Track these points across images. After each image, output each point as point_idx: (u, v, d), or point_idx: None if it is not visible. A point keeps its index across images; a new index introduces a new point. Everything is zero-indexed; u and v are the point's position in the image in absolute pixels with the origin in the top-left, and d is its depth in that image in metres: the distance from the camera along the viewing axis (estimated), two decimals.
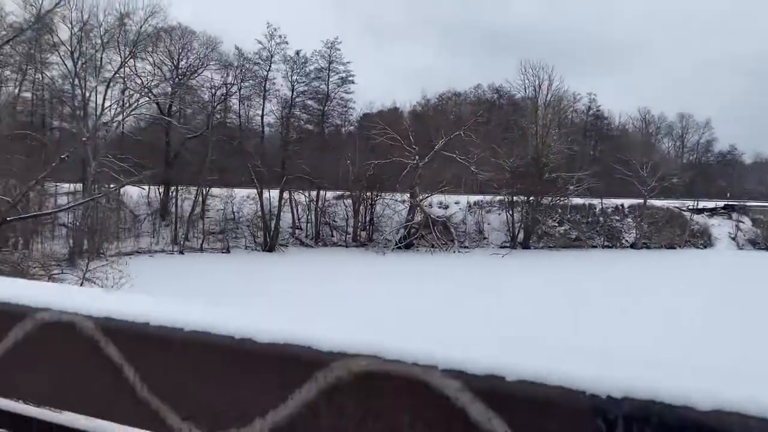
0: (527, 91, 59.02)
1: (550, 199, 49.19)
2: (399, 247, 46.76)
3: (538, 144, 53.07)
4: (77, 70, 38.20)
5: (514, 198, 48.81)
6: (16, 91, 35.03)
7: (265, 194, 46.41)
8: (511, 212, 49.18)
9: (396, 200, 48.62)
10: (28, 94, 41.17)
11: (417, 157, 46.38)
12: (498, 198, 49.97)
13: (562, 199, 49.76)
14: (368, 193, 48.48)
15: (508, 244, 48.66)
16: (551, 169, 50.36)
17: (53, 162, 20.97)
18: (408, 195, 47.84)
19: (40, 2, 32.19)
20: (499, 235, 49.62)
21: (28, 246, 30.98)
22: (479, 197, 50.25)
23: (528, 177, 48.26)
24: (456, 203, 49.29)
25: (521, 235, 49.27)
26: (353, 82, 50.27)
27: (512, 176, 48.55)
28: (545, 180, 48.82)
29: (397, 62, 75.30)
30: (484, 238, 49.61)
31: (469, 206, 49.71)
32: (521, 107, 60.44)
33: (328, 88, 49.74)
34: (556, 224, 50.15)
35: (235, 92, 48.38)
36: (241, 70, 47.43)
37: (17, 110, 36.00)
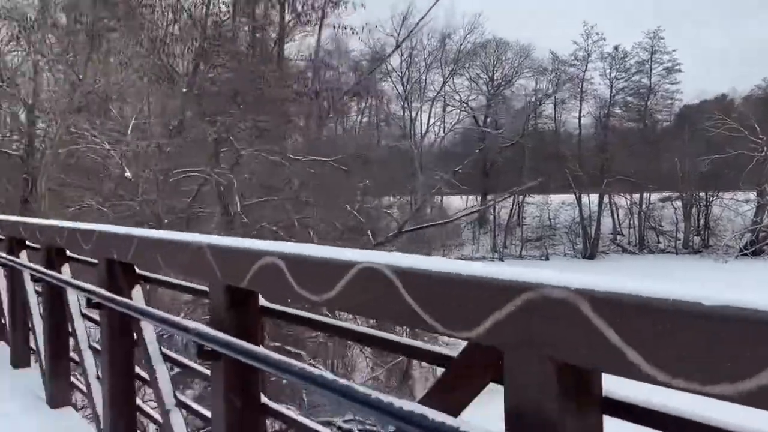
0: None
1: None
2: (744, 254, 40.49)
3: None
4: (406, 93, 41.94)
5: None
6: (358, 118, 39.86)
7: (583, 199, 44.77)
8: None
9: (737, 200, 42.33)
10: (365, 119, 46.73)
11: (765, 148, 39.69)
12: None
13: None
14: (702, 193, 43.20)
15: None
16: None
17: (384, 177, 23.18)
18: (755, 193, 41.22)
19: (398, 32, 36.30)
20: None
21: None
22: None
23: None
24: None
25: None
26: (680, 71, 45.47)
27: None
28: None
29: (723, 44, 65.56)
30: None
31: None
32: None
33: (650, 81, 45.87)
34: None
35: (550, 96, 47.78)
36: (556, 74, 46.68)
37: (358, 134, 40.94)
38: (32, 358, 5.73)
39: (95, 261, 3.67)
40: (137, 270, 3.27)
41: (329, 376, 1.72)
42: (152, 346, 3.00)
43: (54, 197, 14.01)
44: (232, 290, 2.24)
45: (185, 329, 2.29)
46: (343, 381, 1.67)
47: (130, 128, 12.91)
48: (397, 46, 34.65)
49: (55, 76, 15.47)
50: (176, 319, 2.44)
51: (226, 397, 2.27)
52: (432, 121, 46.28)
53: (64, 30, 14.81)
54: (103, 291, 3.17)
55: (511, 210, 46.20)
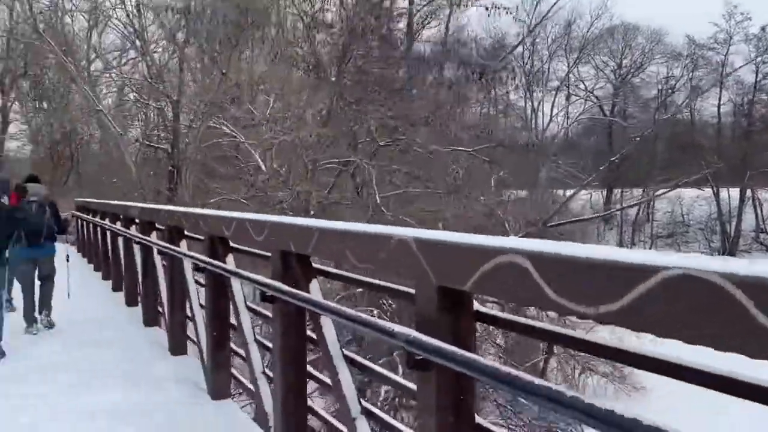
0: None
1: None
2: None
3: None
4: (528, 82, 40.65)
5: None
6: (480, 110, 39.10)
7: (722, 193, 41.37)
8: None
9: None
10: (483, 110, 45.66)
11: None
12: None
13: None
14: None
15: None
16: None
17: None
18: None
19: (530, 18, 36.17)
20: None
21: None
22: None
23: None
24: None
25: None
26: None
27: None
28: None
29: None
30: None
31: None
32: None
33: None
34: None
35: (685, 83, 44.48)
36: (692, 59, 43.35)
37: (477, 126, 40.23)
38: (188, 345, 5.86)
39: (264, 253, 3.56)
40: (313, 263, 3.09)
41: (563, 390, 1.41)
42: (333, 346, 2.79)
43: (198, 187, 14.67)
44: (447, 292, 1.95)
45: (389, 333, 2.03)
46: (584, 399, 1.34)
47: (266, 118, 13.18)
48: (530, 31, 33.88)
49: (194, 74, 16.24)
50: (374, 319, 2.19)
51: (438, 412, 1.99)
52: (555, 111, 44.58)
53: (208, 26, 15.46)
54: (278, 284, 3.01)
55: (640, 205, 43.55)
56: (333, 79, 13.79)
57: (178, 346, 5.67)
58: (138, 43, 18.30)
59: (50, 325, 7.06)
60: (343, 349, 2.79)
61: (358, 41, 14.15)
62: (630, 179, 42.21)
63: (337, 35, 14.59)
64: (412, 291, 2.15)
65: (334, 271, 3.07)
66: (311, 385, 3.48)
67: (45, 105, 27.45)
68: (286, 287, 2.93)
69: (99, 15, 20.71)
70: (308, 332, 3.23)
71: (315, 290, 2.99)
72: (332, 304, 2.53)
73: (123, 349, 6.07)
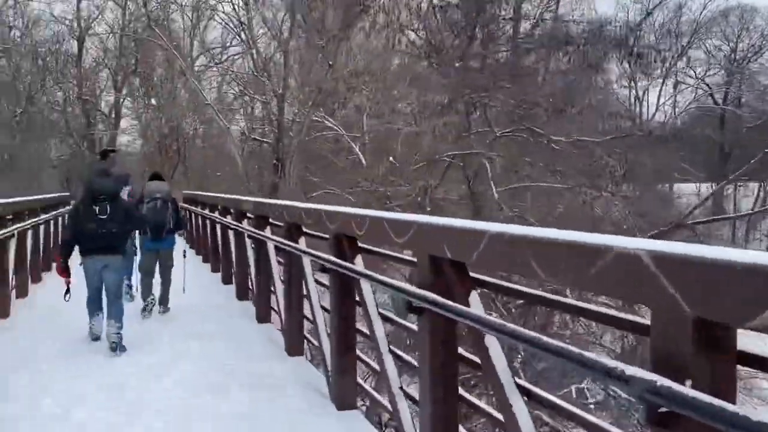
0: None
1: None
2: None
3: None
4: (631, 70, 38.42)
5: None
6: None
7: None
8: None
9: None
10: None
11: None
12: None
13: None
14: None
15: None
16: None
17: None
18: None
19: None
20: None
21: None
22: None
23: None
24: None
25: None
26: None
27: None
28: None
29: None
30: None
31: None
32: None
33: None
34: None
35: None
36: None
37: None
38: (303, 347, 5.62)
39: (405, 257, 3.18)
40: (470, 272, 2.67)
41: None
42: (504, 373, 2.36)
43: (302, 180, 14.65)
44: (708, 326, 1.47)
45: (617, 377, 1.56)
46: None
47: (368, 110, 12.91)
48: (647, 15, 32.01)
49: (298, 68, 16.19)
50: (585, 353, 1.71)
51: None
52: (662, 100, 42.01)
53: (314, 16, 15.34)
54: (430, 294, 2.60)
55: (756, 198, 40.34)
56: (457, 64, 13.22)
57: (294, 347, 5.43)
58: (244, 36, 18.56)
59: (165, 311, 7.29)
60: (515, 377, 2.35)
61: (481, 23, 13.49)
62: (748, 171, 39.03)
63: (462, 17, 13.97)
64: (641, 320, 1.68)
65: (504, 284, 2.63)
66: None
67: (153, 101, 28.59)
68: (441, 299, 2.52)
69: (205, 10, 21.22)
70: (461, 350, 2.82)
71: (476, 304, 2.57)
72: (516, 327, 2.07)
73: (238, 344, 5.94)
